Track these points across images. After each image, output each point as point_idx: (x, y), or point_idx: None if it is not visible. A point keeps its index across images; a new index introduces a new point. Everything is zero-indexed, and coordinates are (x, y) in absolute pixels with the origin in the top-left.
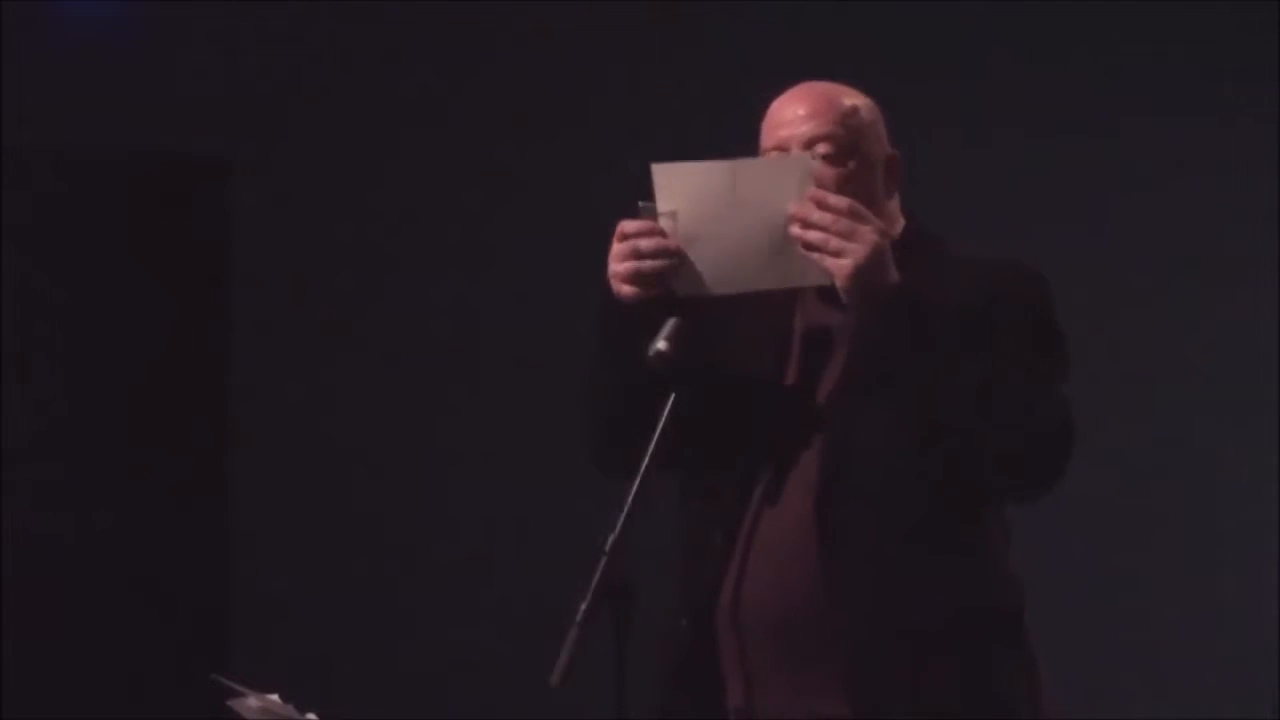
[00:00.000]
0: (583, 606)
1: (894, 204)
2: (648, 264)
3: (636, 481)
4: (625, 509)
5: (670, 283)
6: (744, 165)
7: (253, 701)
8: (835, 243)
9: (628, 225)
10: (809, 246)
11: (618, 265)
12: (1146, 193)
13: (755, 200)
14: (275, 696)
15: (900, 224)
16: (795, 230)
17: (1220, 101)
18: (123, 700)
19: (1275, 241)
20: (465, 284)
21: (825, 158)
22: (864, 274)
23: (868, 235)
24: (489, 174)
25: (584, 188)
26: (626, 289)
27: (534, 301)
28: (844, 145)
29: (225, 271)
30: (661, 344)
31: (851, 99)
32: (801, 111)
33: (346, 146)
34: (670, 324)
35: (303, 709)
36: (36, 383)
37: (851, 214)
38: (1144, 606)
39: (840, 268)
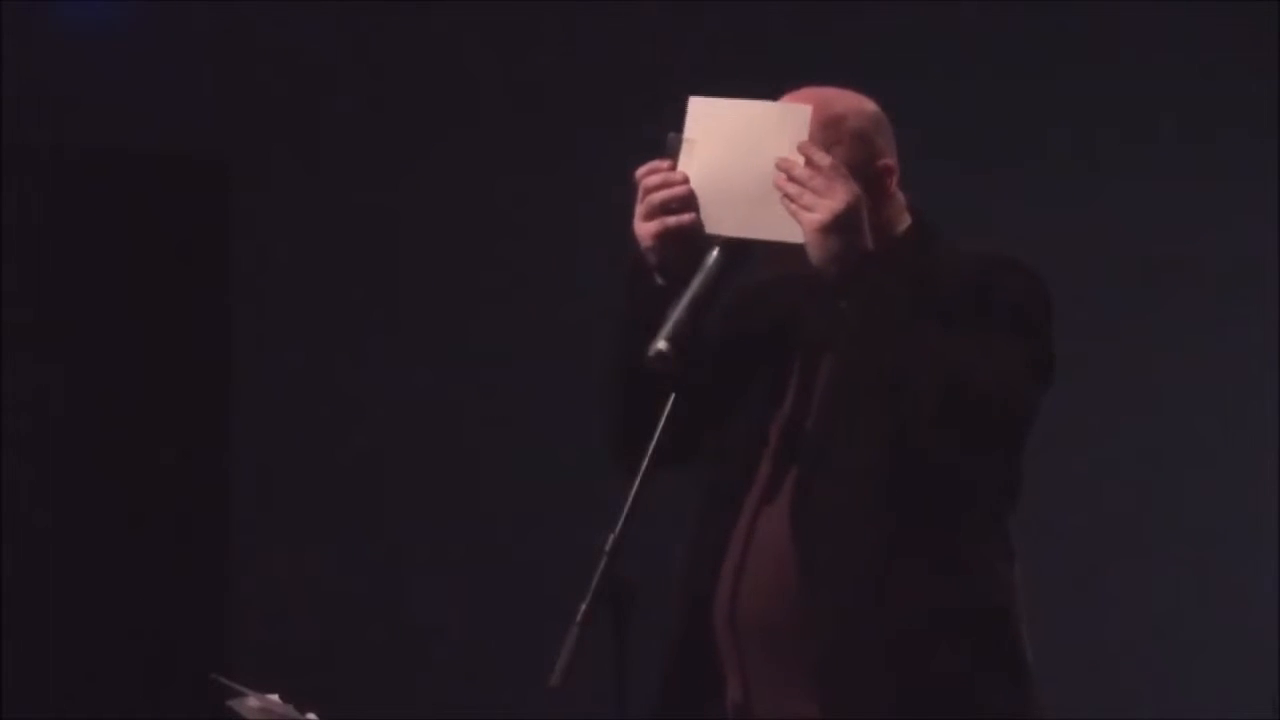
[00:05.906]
0: (583, 606)
1: (890, 211)
2: (655, 195)
3: (636, 481)
4: (626, 509)
5: (682, 216)
6: (753, 108)
7: (253, 701)
8: (809, 197)
9: (640, 169)
10: (787, 197)
11: (637, 210)
12: (1147, 193)
13: (755, 145)
14: (275, 696)
15: (902, 227)
16: (778, 180)
17: (1220, 102)
18: (123, 700)
19: (1275, 242)
20: (465, 285)
21: None
22: (831, 230)
23: (842, 194)
24: (488, 176)
25: (586, 189)
26: (643, 229)
27: (534, 302)
28: None
29: (224, 273)
30: (662, 344)
31: (844, 106)
32: None
33: (345, 149)
34: (671, 323)
35: (303, 709)
36: (35, 382)
37: (831, 172)
38: (1144, 606)
39: (810, 221)
